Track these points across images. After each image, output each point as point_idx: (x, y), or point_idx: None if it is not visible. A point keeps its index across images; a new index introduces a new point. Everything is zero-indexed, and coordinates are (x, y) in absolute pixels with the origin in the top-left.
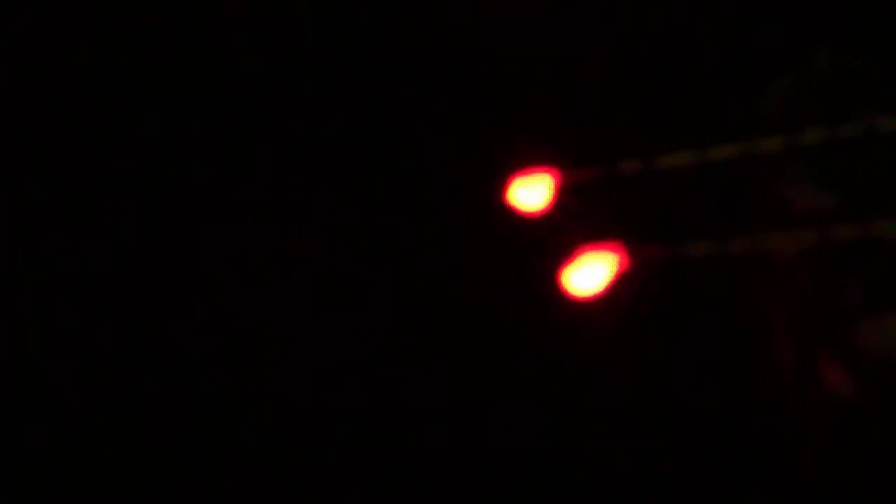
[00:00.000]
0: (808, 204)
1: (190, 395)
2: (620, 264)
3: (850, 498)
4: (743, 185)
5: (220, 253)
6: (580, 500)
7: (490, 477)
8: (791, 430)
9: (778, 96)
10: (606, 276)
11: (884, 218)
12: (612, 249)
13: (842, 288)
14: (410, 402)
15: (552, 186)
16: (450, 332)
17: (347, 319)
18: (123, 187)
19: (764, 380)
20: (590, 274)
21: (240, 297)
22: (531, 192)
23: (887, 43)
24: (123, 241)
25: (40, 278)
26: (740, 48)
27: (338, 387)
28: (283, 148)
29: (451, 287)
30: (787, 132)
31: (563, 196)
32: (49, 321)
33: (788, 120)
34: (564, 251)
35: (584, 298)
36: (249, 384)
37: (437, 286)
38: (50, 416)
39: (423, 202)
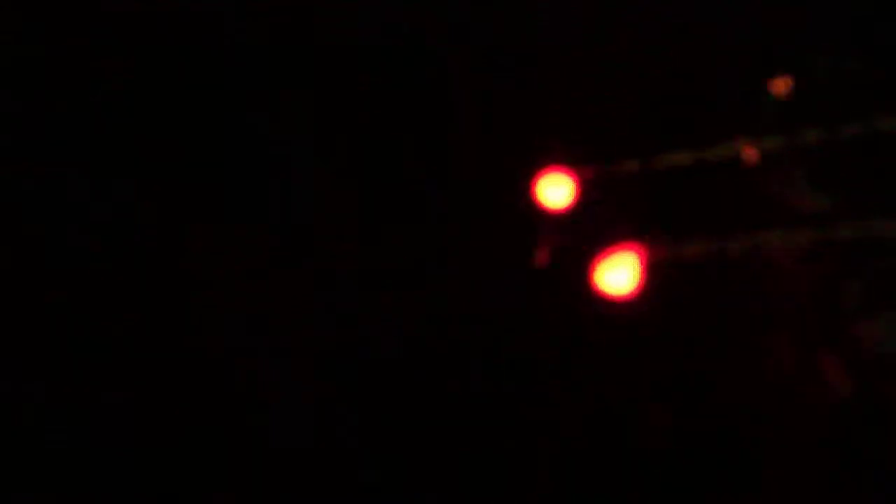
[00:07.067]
0: (808, 204)
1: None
2: (642, 262)
3: (850, 497)
4: (743, 185)
5: (232, 254)
6: (581, 495)
7: (491, 473)
8: (791, 430)
9: (778, 97)
10: (631, 274)
11: (884, 218)
12: (633, 248)
13: (842, 288)
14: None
15: (574, 185)
16: (471, 332)
17: (378, 320)
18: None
19: (764, 380)
20: (614, 273)
21: (260, 303)
22: (554, 191)
23: (886, 44)
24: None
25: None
26: (740, 48)
27: (366, 390)
28: (299, 148)
29: (474, 286)
30: (787, 132)
31: (585, 194)
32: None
33: (788, 120)
34: (588, 248)
35: (609, 297)
36: (277, 386)
37: (461, 285)
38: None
39: (449, 203)
